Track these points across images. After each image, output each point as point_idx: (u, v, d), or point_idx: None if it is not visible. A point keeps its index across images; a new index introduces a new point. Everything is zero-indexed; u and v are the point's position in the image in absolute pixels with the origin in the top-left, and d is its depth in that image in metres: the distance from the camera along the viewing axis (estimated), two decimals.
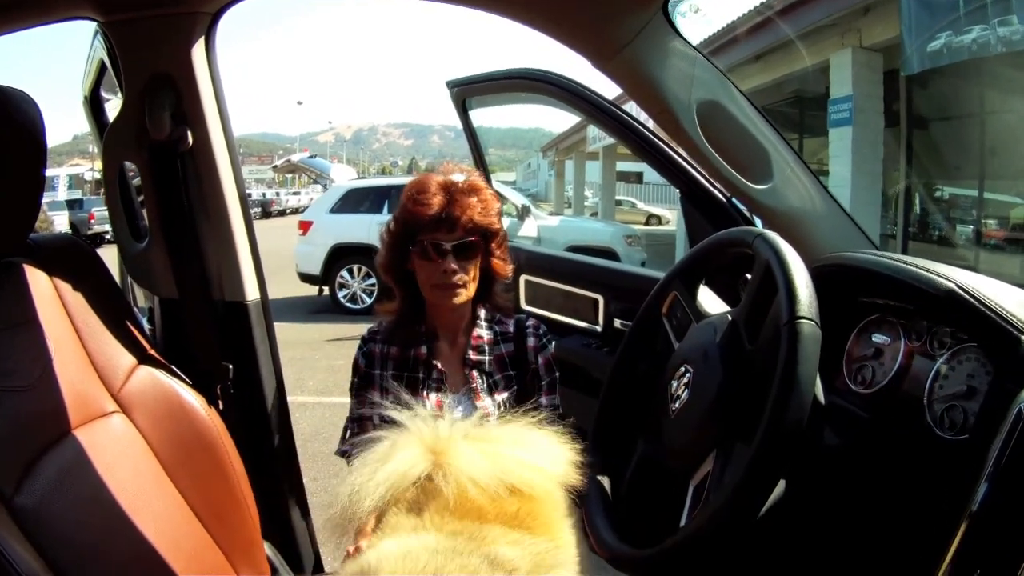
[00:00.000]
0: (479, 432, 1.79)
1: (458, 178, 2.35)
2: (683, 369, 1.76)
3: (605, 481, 1.95)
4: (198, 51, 2.20)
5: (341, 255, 13.68)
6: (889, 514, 1.68)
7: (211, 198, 2.31)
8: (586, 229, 15.82)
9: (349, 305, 13.69)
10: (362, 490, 1.65)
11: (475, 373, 2.37)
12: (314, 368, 9.12)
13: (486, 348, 2.41)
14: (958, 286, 1.66)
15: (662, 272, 2.19)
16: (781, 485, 1.51)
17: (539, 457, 1.74)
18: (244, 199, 2.38)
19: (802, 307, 1.47)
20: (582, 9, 1.98)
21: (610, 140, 26.17)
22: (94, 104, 2.99)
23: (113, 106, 2.87)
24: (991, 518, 1.36)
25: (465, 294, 2.31)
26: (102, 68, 2.65)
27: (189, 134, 2.23)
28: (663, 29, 2.06)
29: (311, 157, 22.77)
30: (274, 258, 16.37)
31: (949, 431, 1.64)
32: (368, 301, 13.50)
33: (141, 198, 2.42)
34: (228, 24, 2.23)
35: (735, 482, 1.44)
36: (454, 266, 2.26)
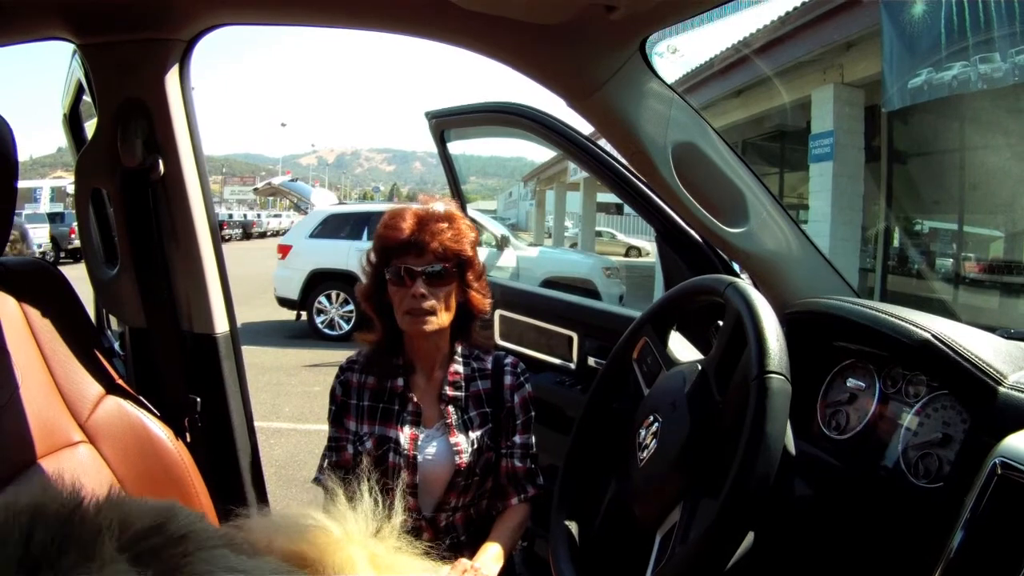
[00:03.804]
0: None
1: (436, 207, 2.36)
2: (651, 418, 1.75)
3: (573, 526, 1.94)
4: (172, 78, 2.18)
5: (319, 280, 13.66)
6: (861, 563, 1.67)
7: (181, 228, 2.28)
8: (565, 261, 15.79)
9: (326, 331, 13.65)
10: None
11: (450, 409, 2.37)
12: (290, 394, 9.07)
13: (463, 384, 2.40)
14: (933, 336, 1.68)
15: (639, 309, 2.19)
16: (750, 537, 1.50)
17: None
18: (215, 230, 2.35)
19: (772, 361, 1.46)
20: (558, 49, 1.97)
21: None
22: (73, 123, 2.97)
23: (92, 126, 2.87)
24: (966, 566, 1.36)
25: (436, 322, 2.30)
26: (80, 88, 2.64)
27: (161, 162, 2.21)
28: (640, 69, 2.06)
29: (292, 180, 22.69)
30: (253, 281, 16.30)
31: (923, 479, 1.64)
32: (345, 327, 13.53)
33: None
34: (214, 43, 2.24)
35: (700, 537, 1.43)
36: (423, 290, 2.26)
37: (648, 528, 1.66)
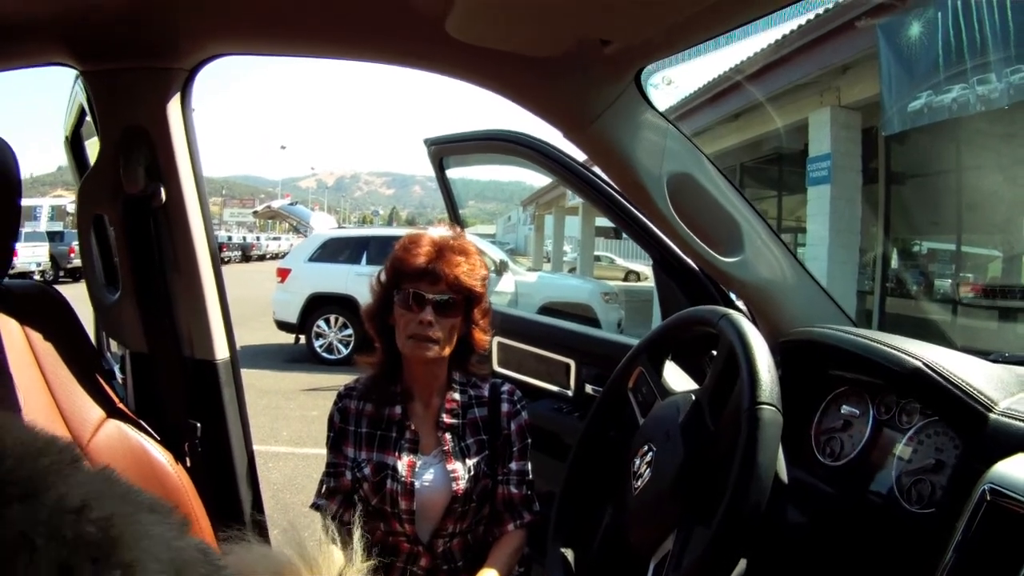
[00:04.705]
0: None
1: (450, 237, 2.40)
2: (646, 447, 1.78)
3: (569, 553, 1.96)
4: (174, 107, 2.20)
5: (318, 304, 13.75)
6: None
7: (183, 255, 2.30)
8: (563, 286, 15.74)
9: (325, 355, 13.60)
10: None
11: (448, 436, 2.38)
12: (288, 418, 9.05)
13: (460, 412, 2.42)
14: (925, 364, 1.70)
15: (638, 334, 2.21)
16: (743, 564, 1.52)
17: None
18: (216, 256, 2.36)
19: (764, 392, 1.49)
20: (554, 81, 2.01)
21: None
22: (75, 146, 2.99)
23: (93, 144, 2.89)
24: None
25: (437, 350, 2.32)
26: (82, 112, 2.65)
27: (163, 190, 2.22)
28: (635, 101, 2.10)
29: (292, 204, 22.75)
30: (252, 304, 16.33)
31: (916, 504, 1.65)
32: (344, 352, 13.49)
33: None
34: (215, 64, 2.25)
35: (692, 564, 1.47)
36: (430, 318, 2.28)
37: (643, 555, 1.68)
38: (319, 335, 13.78)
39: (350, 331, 13.57)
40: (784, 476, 1.61)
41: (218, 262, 2.39)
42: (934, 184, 13.01)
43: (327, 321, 13.75)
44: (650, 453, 1.76)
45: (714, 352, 1.74)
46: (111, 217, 2.27)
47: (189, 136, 2.27)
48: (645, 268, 40.08)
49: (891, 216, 13.48)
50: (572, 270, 31.71)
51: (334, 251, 13.98)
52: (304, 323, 13.80)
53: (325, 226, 18.04)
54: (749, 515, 1.42)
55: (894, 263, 14.27)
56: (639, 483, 1.76)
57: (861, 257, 13.50)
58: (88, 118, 2.48)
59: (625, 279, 39.42)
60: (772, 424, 1.48)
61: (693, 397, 1.78)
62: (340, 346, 13.67)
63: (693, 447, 1.66)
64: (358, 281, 12.74)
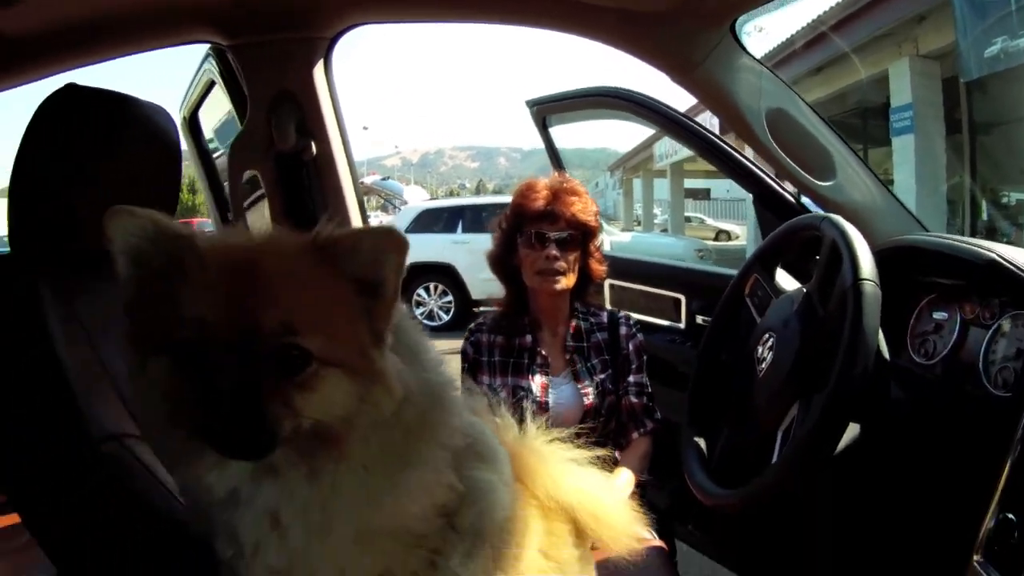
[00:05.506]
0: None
1: (561, 181, 2.64)
2: (766, 336, 2.03)
3: (702, 442, 2.21)
4: (318, 71, 2.44)
5: (417, 274, 13.82)
6: (949, 456, 1.88)
7: (333, 201, 2.53)
8: (658, 243, 15.84)
9: (426, 322, 13.22)
10: None
11: (575, 357, 2.63)
12: None
13: (584, 336, 2.67)
14: (999, 256, 1.89)
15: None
16: (856, 429, 1.77)
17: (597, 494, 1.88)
18: (362, 203, 2.57)
19: (863, 271, 1.73)
20: (660, 32, 2.25)
21: (677, 157, 26.15)
22: (192, 124, 3.27)
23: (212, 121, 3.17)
24: None
25: (564, 282, 2.56)
26: (207, 89, 2.90)
27: (312, 145, 2.47)
28: (732, 47, 2.33)
29: (384, 179, 22.97)
30: None
31: (1002, 389, 1.81)
32: (445, 318, 13.63)
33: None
34: None
35: (814, 422, 1.69)
36: (555, 253, 2.53)
37: (770, 429, 1.93)
38: (419, 303, 13.87)
39: (450, 298, 13.71)
40: (886, 353, 1.85)
41: (364, 204, 2.61)
42: (1019, 131, 12.69)
43: (427, 289, 13.88)
44: (771, 340, 2.00)
45: (818, 257, 1.94)
46: (262, 172, 2.51)
47: (333, 97, 2.50)
48: (735, 227, 39.44)
49: (977, 165, 13.18)
50: (664, 231, 31.49)
51: (428, 222, 14.12)
52: (404, 292, 13.70)
53: (418, 199, 18.22)
54: (858, 376, 1.65)
55: (983, 214, 13.92)
56: (763, 366, 2.00)
57: (949, 207, 13.26)
58: (211, 94, 2.72)
59: (716, 239, 38.75)
60: (872, 296, 1.71)
61: (804, 290, 2.01)
62: (441, 313, 13.82)
63: (808, 330, 1.88)
64: (455, 249, 13.04)
